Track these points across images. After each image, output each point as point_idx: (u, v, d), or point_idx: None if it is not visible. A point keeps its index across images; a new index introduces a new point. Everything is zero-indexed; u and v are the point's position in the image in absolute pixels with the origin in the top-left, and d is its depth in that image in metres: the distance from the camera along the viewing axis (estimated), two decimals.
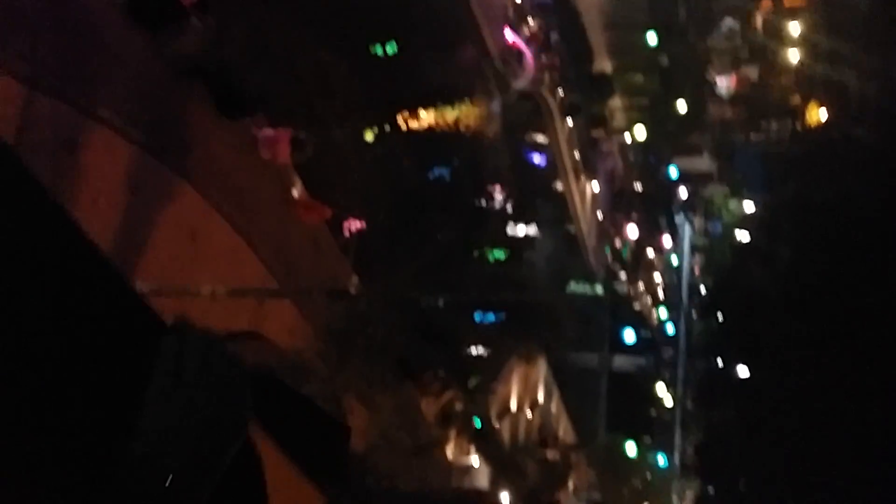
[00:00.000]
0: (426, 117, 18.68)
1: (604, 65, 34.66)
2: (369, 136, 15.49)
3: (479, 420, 23.36)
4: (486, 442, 23.14)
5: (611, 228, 38.77)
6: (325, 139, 13.26)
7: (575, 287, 37.58)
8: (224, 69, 10.52)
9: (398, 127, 17.28)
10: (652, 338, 42.97)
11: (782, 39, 35.66)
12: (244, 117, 11.30)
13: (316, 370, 10.03)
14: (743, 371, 39.34)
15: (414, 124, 18.18)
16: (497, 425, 24.93)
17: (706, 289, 44.58)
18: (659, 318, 44.45)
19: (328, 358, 10.44)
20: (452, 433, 20.05)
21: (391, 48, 17.19)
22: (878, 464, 24.15)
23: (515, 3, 24.53)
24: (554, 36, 27.64)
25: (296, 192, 12.74)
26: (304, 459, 3.12)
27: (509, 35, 23.60)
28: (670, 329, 43.39)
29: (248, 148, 12.12)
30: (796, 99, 37.31)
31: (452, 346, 20.87)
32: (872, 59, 33.58)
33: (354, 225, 13.56)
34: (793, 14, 35.64)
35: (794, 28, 35.19)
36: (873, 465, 24.29)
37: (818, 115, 37.07)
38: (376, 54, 17.04)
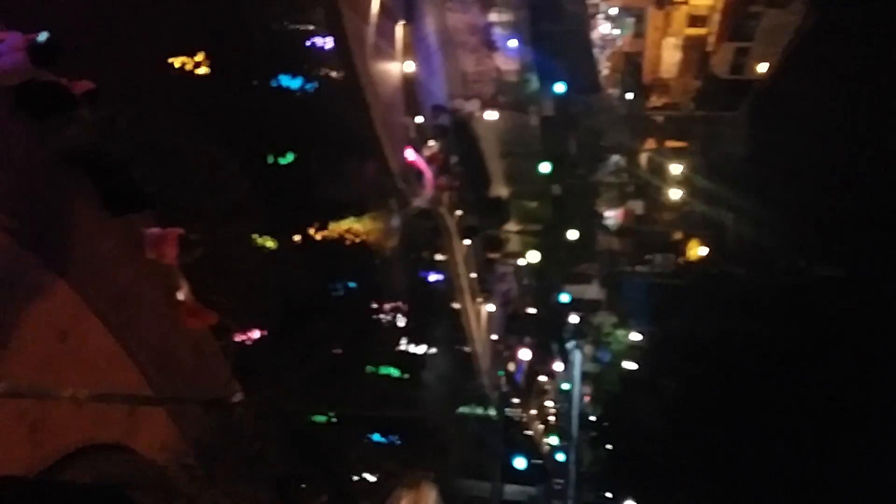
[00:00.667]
0: (324, 228, 18.53)
1: (500, 190, 35.78)
2: (264, 243, 15.16)
3: None
4: None
5: (504, 351, 38.96)
6: (214, 242, 12.84)
7: (468, 410, 37.16)
8: (112, 163, 10.10)
9: (294, 236, 17.02)
10: (543, 465, 42.66)
11: (665, 178, 37.95)
12: (130, 214, 10.80)
13: (181, 488, 9.23)
14: None
15: (311, 234, 17.98)
16: None
17: (596, 417, 45.00)
18: (550, 445, 44.35)
19: (196, 475, 9.65)
20: None
21: (287, 158, 17.17)
22: None
23: (417, 124, 25.20)
24: (453, 159, 28.43)
25: (181, 296, 12.13)
26: None
27: (410, 154, 24.08)
28: (561, 457, 43.25)
29: (132, 247, 11.57)
30: (678, 234, 39.43)
31: (338, 469, 19.97)
32: (747, 201, 36.08)
33: (241, 333, 13.01)
34: (675, 155, 38.16)
35: (676, 168, 37.57)
36: None
37: (698, 251, 39.18)
38: (272, 162, 16.96)
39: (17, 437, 8.94)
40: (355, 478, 21.58)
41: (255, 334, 14.05)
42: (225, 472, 10.00)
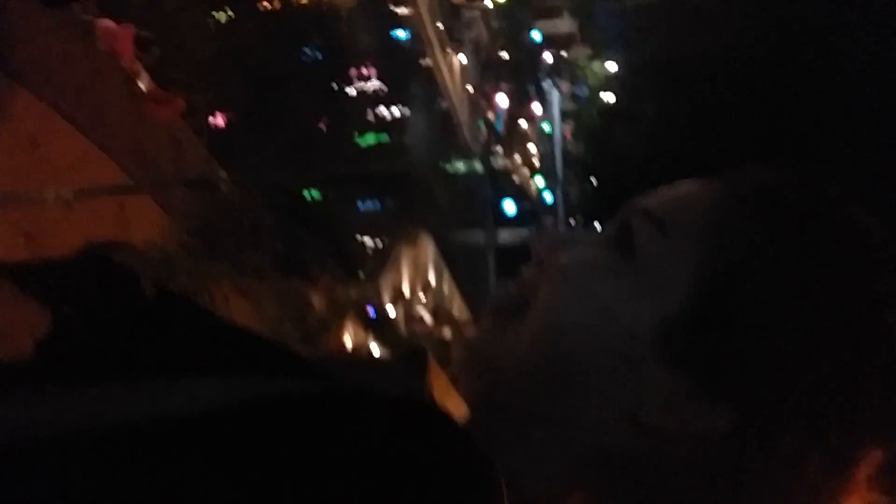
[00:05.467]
0: None
1: None
2: (220, 19, 14.41)
3: (373, 308, 23.39)
4: (382, 329, 23.25)
5: (482, 101, 38.52)
6: (169, 27, 12.19)
7: (453, 165, 37.49)
8: None
9: (251, 8, 16.13)
10: (532, 208, 43.79)
11: None
12: (68, 2, 10.12)
13: (182, 264, 9.48)
14: None
15: (268, 4, 17.04)
16: (392, 312, 25.04)
17: (579, 154, 45.50)
18: (537, 187, 45.22)
19: (194, 250, 9.89)
20: (347, 323, 19.92)
21: None
22: None
23: None
24: None
25: (143, 85, 11.69)
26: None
27: None
28: (548, 198, 44.26)
29: (84, 41, 10.97)
30: None
31: (337, 236, 20.49)
32: None
33: (213, 115, 12.70)
34: None
35: None
36: None
37: None
38: None
39: (16, 248, 9.00)
40: (358, 242, 22.24)
41: (226, 114, 13.76)
42: (223, 245, 10.24)
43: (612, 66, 41.55)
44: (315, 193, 20.77)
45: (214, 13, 14.11)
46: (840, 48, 33.17)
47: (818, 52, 33.38)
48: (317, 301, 16.85)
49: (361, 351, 21.62)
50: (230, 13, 14.96)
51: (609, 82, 43.06)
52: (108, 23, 11.01)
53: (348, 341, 20.26)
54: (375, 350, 22.77)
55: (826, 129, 32.39)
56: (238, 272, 10.94)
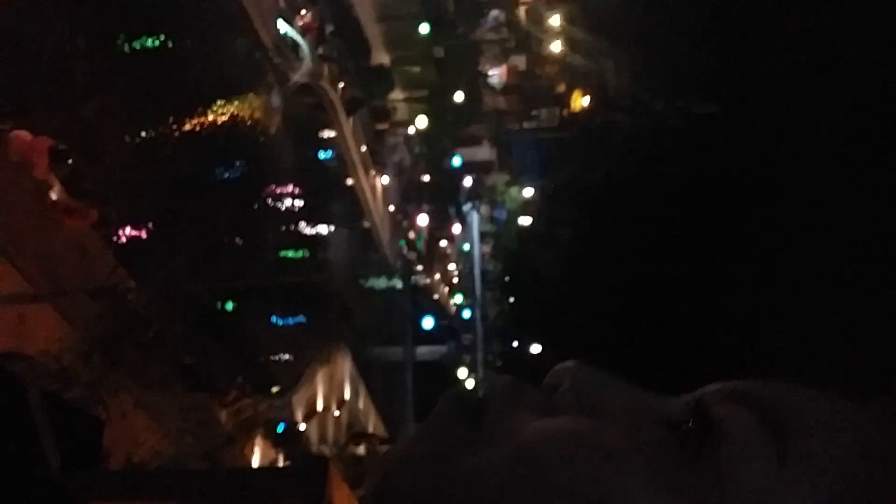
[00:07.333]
0: (202, 114, 17.90)
1: (381, 57, 35.02)
2: (138, 136, 14.61)
3: (282, 424, 22.87)
4: (292, 445, 22.69)
5: (403, 221, 39.34)
6: (86, 140, 12.34)
7: (374, 282, 37.81)
8: None
9: (171, 125, 16.43)
10: (450, 325, 44.21)
11: (545, 31, 37.89)
12: None
13: (81, 375, 9.29)
14: (536, 348, 41.57)
15: (189, 122, 17.37)
16: (303, 427, 24.54)
17: (497, 273, 46.55)
18: (456, 304, 45.79)
19: (93, 362, 9.70)
20: (254, 439, 19.44)
21: (154, 42, 16.30)
22: None
23: None
24: (329, 28, 27.49)
25: (54, 196, 11.72)
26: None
27: (283, 26, 23.16)
28: (467, 315, 44.85)
29: None
30: (561, 87, 39.85)
31: (250, 350, 20.22)
32: (624, 52, 36.68)
33: (126, 225, 12.73)
34: (552, 6, 37.99)
35: (555, 20, 37.50)
36: None
37: (581, 102, 39.86)
38: (138, 48, 16.09)
39: None
40: (272, 357, 21.94)
41: (140, 225, 13.78)
42: (126, 356, 10.07)
43: (528, 192, 43.38)
44: (229, 305, 20.61)
45: (135, 127, 14.35)
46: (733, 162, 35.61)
47: (730, 179, 35.74)
48: (223, 416, 16.49)
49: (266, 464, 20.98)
50: (151, 128, 15.22)
51: (526, 206, 44.79)
52: (23, 134, 11.09)
53: (255, 457, 19.70)
54: (281, 462, 22.12)
55: (733, 241, 34.29)
56: (140, 384, 10.75)
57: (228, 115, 19.05)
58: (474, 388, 0.61)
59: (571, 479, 0.50)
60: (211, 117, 18.21)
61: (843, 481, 0.49)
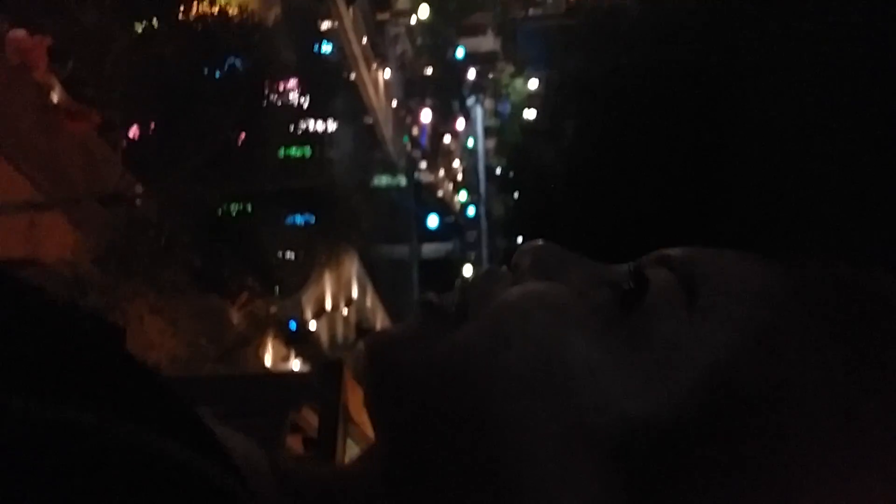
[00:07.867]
0: (201, 8, 17.24)
1: None
2: (137, 31, 14.12)
3: (294, 323, 23.16)
4: (303, 343, 23.06)
5: (407, 116, 38.71)
6: (85, 38, 11.92)
7: (378, 180, 37.54)
8: None
9: (170, 20, 15.85)
10: (455, 222, 44.18)
11: None
12: None
13: (94, 282, 9.25)
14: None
15: (188, 16, 16.75)
16: (314, 326, 24.88)
17: (501, 169, 46.15)
18: (460, 202, 45.64)
19: (107, 268, 9.65)
20: (267, 338, 19.69)
21: None
22: None
23: None
24: None
25: (56, 98, 11.40)
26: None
27: None
28: (471, 212, 44.75)
29: None
30: None
31: (258, 252, 20.21)
32: None
33: (130, 129, 12.44)
34: None
35: None
36: None
37: None
38: None
39: None
40: (280, 257, 21.98)
41: (143, 127, 13.48)
42: (139, 263, 10.02)
43: (533, 84, 42.41)
44: (235, 208, 20.46)
45: (133, 25, 13.85)
46: (758, 67, 34.61)
47: (740, 67, 34.77)
48: (235, 318, 16.64)
49: (281, 366, 21.41)
50: (149, 25, 14.69)
51: (531, 99, 43.84)
52: (20, 34, 10.70)
53: (268, 356, 20.05)
54: (295, 364, 22.58)
55: (748, 148, 33.74)
56: (154, 290, 10.73)
57: (229, 8, 18.35)
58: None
59: (526, 333, 0.58)
60: (211, 11, 17.56)
61: (744, 329, 0.55)
